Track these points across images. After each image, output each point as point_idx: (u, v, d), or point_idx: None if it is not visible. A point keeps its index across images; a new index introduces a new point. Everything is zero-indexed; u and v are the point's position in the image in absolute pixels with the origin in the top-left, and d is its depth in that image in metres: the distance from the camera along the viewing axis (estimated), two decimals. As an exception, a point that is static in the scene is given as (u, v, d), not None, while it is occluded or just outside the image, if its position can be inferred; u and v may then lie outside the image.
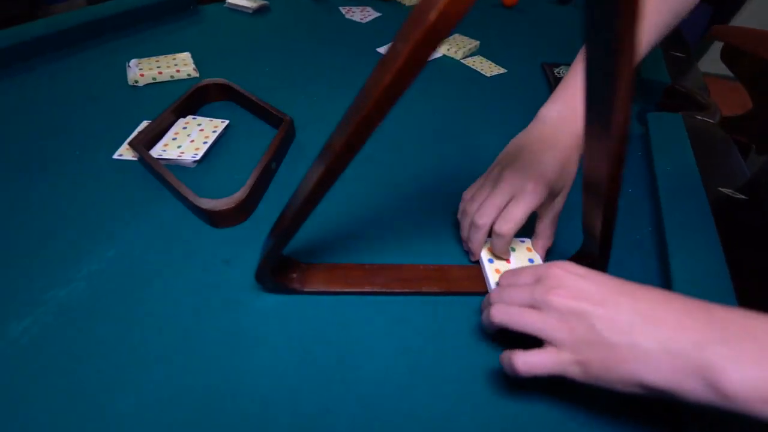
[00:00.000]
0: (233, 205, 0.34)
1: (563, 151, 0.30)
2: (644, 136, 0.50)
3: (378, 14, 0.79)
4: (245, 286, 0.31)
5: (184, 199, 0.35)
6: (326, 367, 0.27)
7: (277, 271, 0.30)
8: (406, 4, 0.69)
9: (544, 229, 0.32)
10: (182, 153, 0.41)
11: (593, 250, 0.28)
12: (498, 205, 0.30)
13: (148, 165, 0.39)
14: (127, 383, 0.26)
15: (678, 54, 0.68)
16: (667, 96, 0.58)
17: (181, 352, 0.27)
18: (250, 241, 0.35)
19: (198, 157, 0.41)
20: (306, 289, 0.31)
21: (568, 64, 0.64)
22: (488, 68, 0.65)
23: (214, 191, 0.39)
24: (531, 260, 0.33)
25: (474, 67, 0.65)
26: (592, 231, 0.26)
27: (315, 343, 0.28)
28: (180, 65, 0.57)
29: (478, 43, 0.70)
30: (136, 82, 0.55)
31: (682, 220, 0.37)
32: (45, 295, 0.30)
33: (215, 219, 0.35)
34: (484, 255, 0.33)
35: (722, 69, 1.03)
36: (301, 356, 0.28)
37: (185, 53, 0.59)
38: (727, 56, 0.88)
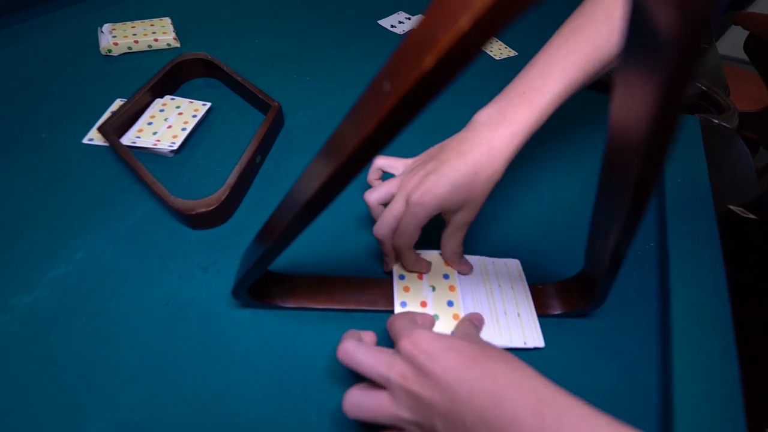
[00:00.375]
0: (212, 207, 0.32)
1: (472, 160, 0.27)
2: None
3: (381, -20, 0.71)
4: (223, 297, 0.29)
5: (158, 197, 0.32)
6: (308, 387, 0.26)
7: (257, 286, 0.28)
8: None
9: (446, 240, 0.30)
10: (158, 141, 0.38)
11: (597, 271, 0.27)
12: (396, 215, 0.28)
13: (119, 155, 0.35)
14: (96, 404, 0.24)
15: (701, 44, 0.63)
16: (684, 93, 0.54)
17: (153, 370, 0.26)
18: (229, 245, 0.33)
19: (175, 146, 0.38)
20: (288, 306, 0.29)
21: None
22: (498, 50, 0.60)
23: (192, 186, 0.36)
24: (446, 275, 0.31)
25: (482, 48, 0.60)
26: (601, 243, 0.23)
27: (296, 361, 0.27)
28: (159, 33, 0.51)
29: (488, 20, 0.64)
30: (109, 51, 0.49)
31: (688, 239, 0.35)
32: (8, 301, 0.28)
33: (192, 221, 0.32)
34: (396, 270, 0.31)
35: (736, 53, 0.97)
36: (282, 375, 0.26)
37: (165, 18, 0.54)
38: (749, 46, 0.82)
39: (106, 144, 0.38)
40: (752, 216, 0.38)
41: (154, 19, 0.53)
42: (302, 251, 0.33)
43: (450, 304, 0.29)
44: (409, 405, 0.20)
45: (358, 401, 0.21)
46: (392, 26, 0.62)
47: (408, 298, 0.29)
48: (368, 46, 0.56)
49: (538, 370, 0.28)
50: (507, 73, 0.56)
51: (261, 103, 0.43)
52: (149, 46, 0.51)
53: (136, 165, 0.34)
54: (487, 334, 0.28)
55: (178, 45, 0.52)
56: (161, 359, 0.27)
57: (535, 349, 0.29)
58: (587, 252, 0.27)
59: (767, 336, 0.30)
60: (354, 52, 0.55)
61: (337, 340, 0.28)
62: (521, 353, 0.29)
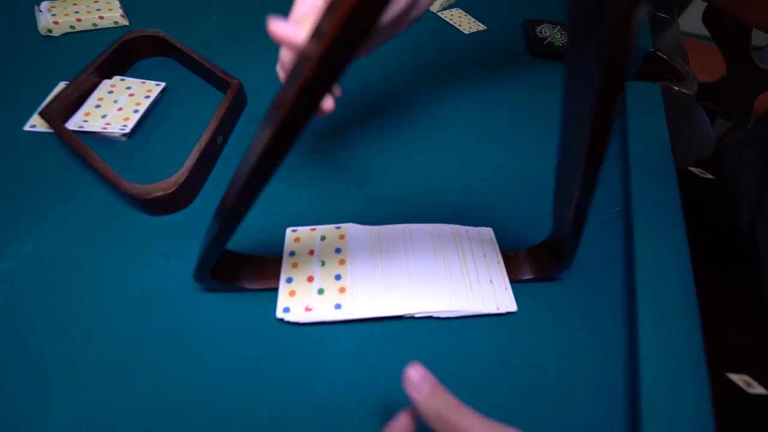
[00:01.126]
0: (170, 190, 0.30)
1: None
2: (621, 108, 0.48)
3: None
4: (187, 284, 0.28)
5: (111, 183, 0.30)
6: (282, 366, 0.26)
7: (223, 269, 0.27)
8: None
9: None
10: (108, 124, 0.35)
11: (562, 235, 0.27)
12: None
13: (65, 141, 0.33)
14: (58, 399, 0.23)
15: (662, 15, 0.64)
16: (647, 62, 0.55)
17: (117, 360, 0.25)
18: (193, 230, 0.31)
19: (127, 130, 0.35)
20: (256, 287, 0.28)
21: (551, 21, 0.59)
22: (467, 24, 0.60)
23: (149, 171, 0.34)
24: (338, 249, 0.30)
25: (452, 22, 0.59)
26: (565, 203, 0.24)
27: (268, 341, 0.27)
28: (104, 10, 0.47)
29: (457, -7, 0.63)
30: (50, 31, 0.45)
31: (650, 202, 0.36)
32: (-53, 300, 0.26)
33: (149, 206, 0.30)
34: (287, 246, 0.30)
35: (699, 29, 1.00)
36: (253, 360, 0.26)
37: (110, -6, 0.50)
38: (708, 18, 0.85)
39: (50, 130, 0.35)
40: (710, 176, 0.39)
41: (99, -4, 0.49)
42: (269, 231, 0.32)
43: (338, 277, 0.28)
44: None
45: None
46: None
47: (295, 274, 0.28)
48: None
49: (511, 333, 0.29)
50: (476, 47, 0.56)
51: (220, 82, 0.40)
52: (94, 24, 0.47)
53: (85, 151, 0.32)
54: (461, 301, 0.28)
55: (126, 23, 0.48)
56: (125, 349, 0.25)
57: (508, 313, 0.29)
58: (554, 215, 0.27)
59: (722, 292, 0.32)
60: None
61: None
62: (494, 318, 0.29)
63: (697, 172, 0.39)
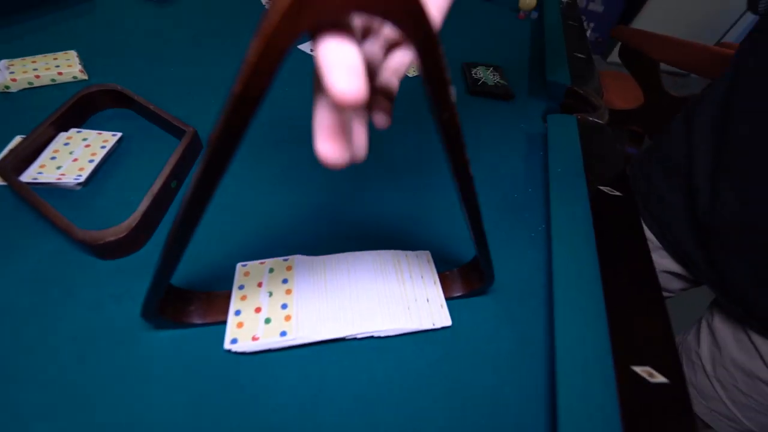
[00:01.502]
0: (122, 235, 0.32)
1: None
2: (544, 138, 0.55)
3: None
4: (139, 323, 0.29)
5: (63, 231, 0.32)
6: (229, 400, 0.27)
7: (172, 305, 0.29)
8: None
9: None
10: (63, 175, 0.37)
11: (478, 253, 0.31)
12: None
13: (18, 194, 0.34)
14: (-5, 449, 0.23)
15: (579, 55, 0.74)
16: (567, 97, 0.63)
17: (63, 404, 0.25)
18: (145, 272, 0.33)
19: (82, 179, 0.37)
20: (208, 321, 0.30)
21: (486, 64, 0.67)
22: (411, 67, 0.66)
23: (104, 218, 0.36)
24: (285, 280, 0.32)
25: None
26: (467, 223, 0.28)
27: (216, 376, 0.28)
28: (63, 66, 0.50)
29: (399, 41, 0.70)
30: (7, 87, 0.47)
31: (566, 217, 0.41)
32: None
33: (101, 251, 0.32)
34: (236, 280, 0.31)
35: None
36: (201, 393, 0.27)
37: (71, 51, 0.52)
38: (623, 55, 0.98)
39: (4, 183, 0.36)
40: (618, 193, 0.45)
41: (58, 53, 0.52)
42: (222, 268, 0.34)
43: (284, 306, 0.30)
44: None
45: None
46: (312, 50, 0.65)
47: (243, 306, 0.30)
48: (288, 69, 0.59)
49: (447, 345, 0.32)
50: (419, 88, 0.62)
51: (176, 130, 0.43)
52: (53, 80, 0.49)
53: (37, 201, 0.33)
54: (400, 320, 0.31)
55: (85, 77, 0.51)
56: (73, 393, 0.26)
57: (443, 328, 0.32)
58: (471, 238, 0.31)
59: (625, 294, 0.36)
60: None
61: (261, 353, 0.29)
62: (431, 333, 0.32)
63: (606, 190, 0.45)
